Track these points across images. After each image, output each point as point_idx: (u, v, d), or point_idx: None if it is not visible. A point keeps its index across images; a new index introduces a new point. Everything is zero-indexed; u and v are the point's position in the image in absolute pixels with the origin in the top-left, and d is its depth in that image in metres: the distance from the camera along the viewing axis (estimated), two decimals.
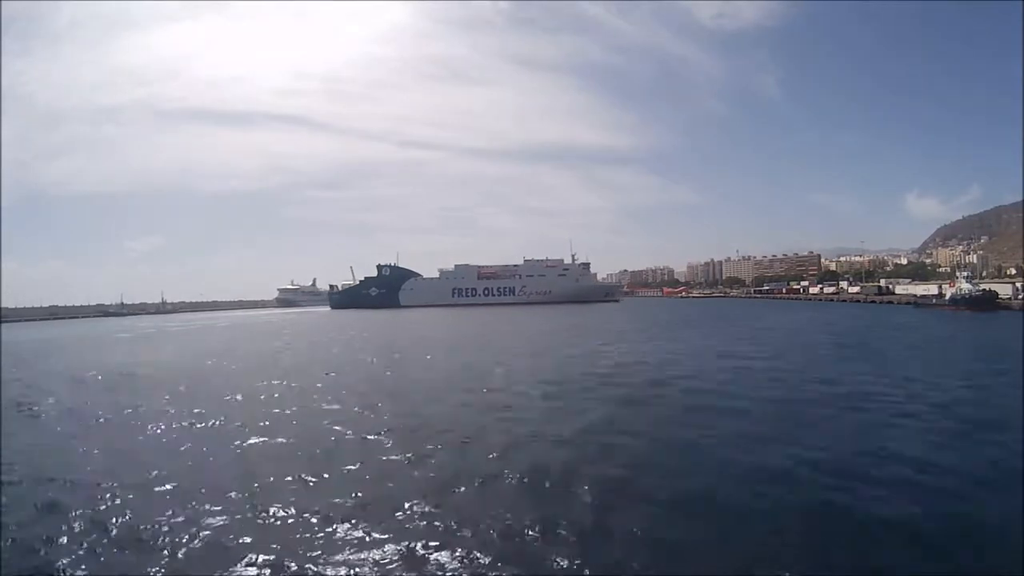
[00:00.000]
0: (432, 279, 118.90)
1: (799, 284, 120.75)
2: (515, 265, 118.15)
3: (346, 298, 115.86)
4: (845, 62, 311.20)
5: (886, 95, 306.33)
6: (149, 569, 5.21)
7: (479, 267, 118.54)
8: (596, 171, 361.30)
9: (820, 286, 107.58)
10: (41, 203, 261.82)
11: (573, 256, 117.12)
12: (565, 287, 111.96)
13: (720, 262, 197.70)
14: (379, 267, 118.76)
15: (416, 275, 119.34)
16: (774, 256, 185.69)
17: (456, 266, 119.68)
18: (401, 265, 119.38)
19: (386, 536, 5.71)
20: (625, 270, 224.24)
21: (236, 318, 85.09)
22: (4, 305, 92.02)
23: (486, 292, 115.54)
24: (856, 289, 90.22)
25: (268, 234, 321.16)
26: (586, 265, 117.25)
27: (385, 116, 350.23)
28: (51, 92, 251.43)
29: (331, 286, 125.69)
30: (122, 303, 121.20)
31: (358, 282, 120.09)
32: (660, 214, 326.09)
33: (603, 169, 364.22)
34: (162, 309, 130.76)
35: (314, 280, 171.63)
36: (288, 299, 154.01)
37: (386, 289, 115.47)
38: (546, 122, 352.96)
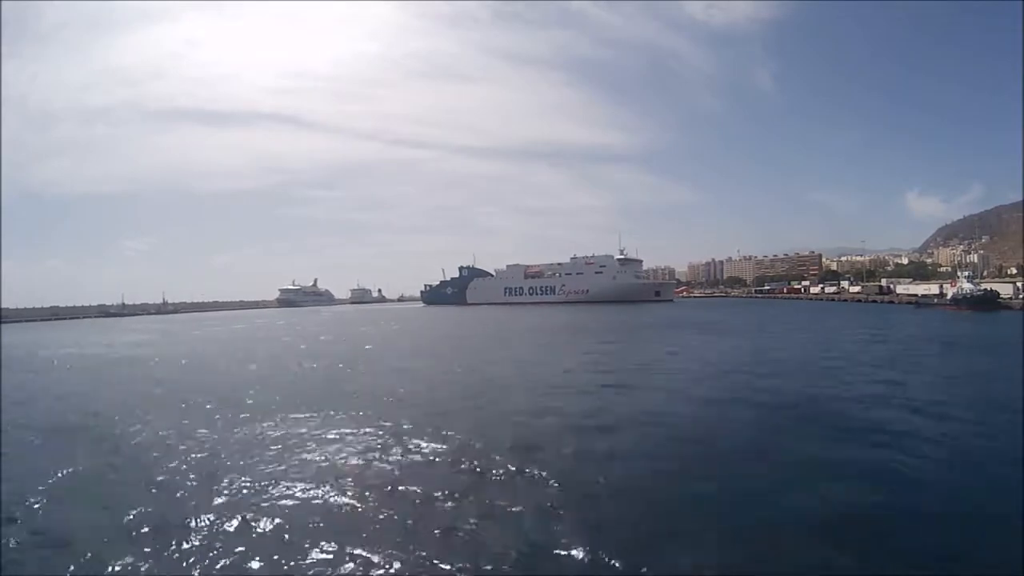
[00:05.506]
0: (490, 279, 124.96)
1: (800, 284, 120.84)
2: (559, 263, 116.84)
3: (432, 295, 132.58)
4: (843, 59, 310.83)
5: (886, 94, 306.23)
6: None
7: (525, 266, 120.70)
8: (592, 169, 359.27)
9: (821, 286, 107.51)
10: (37, 204, 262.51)
11: (622, 250, 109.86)
12: (603, 285, 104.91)
13: (721, 262, 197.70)
14: (460, 268, 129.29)
15: (488, 275, 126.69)
16: (775, 256, 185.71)
17: (508, 266, 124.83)
18: (477, 266, 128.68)
19: None
20: None
21: (290, 316, 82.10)
22: (4, 306, 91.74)
23: (531, 291, 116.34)
24: (857, 289, 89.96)
25: (267, 234, 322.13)
26: (627, 262, 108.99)
27: (378, 115, 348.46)
28: (41, 93, 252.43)
29: (426, 285, 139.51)
30: (123, 303, 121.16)
31: (439, 282, 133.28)
32: (659, 214, 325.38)
33: (599, 167, 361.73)
34: (163, 309, 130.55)
35: (315, 280, 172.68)
36: (289, 299, 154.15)
37: (458, 288, 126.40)
38: (539, 119, 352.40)
